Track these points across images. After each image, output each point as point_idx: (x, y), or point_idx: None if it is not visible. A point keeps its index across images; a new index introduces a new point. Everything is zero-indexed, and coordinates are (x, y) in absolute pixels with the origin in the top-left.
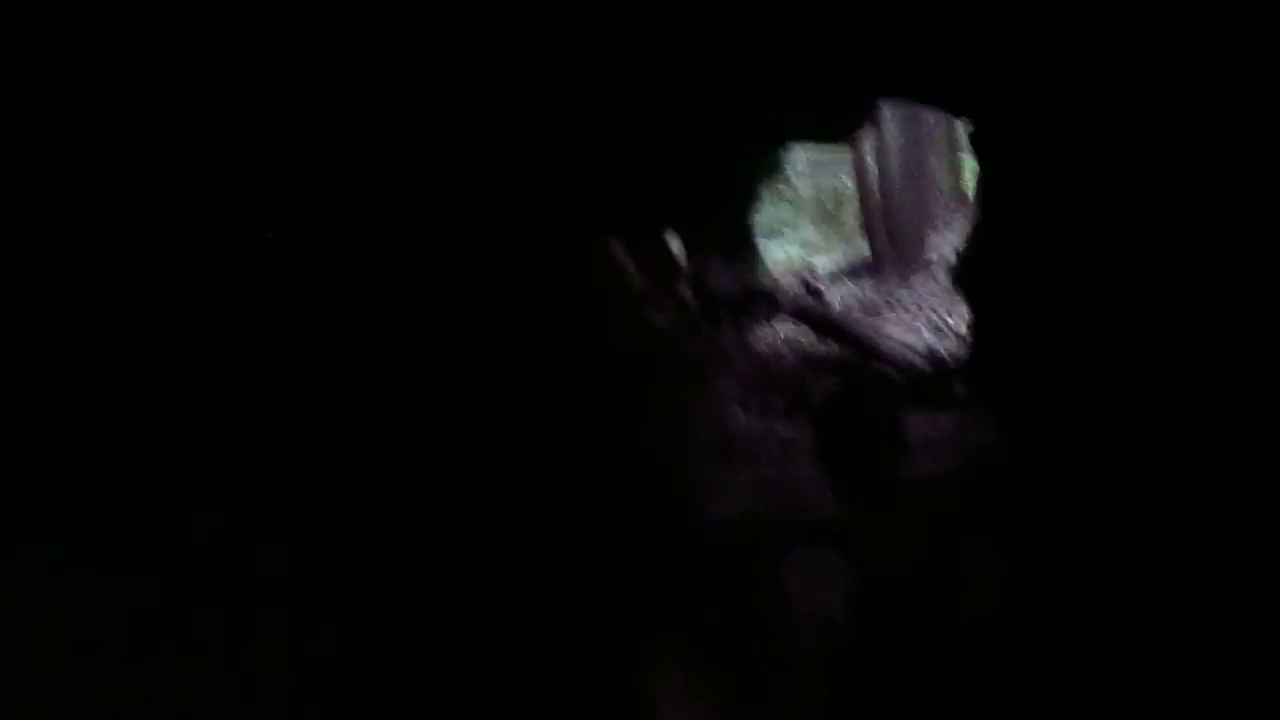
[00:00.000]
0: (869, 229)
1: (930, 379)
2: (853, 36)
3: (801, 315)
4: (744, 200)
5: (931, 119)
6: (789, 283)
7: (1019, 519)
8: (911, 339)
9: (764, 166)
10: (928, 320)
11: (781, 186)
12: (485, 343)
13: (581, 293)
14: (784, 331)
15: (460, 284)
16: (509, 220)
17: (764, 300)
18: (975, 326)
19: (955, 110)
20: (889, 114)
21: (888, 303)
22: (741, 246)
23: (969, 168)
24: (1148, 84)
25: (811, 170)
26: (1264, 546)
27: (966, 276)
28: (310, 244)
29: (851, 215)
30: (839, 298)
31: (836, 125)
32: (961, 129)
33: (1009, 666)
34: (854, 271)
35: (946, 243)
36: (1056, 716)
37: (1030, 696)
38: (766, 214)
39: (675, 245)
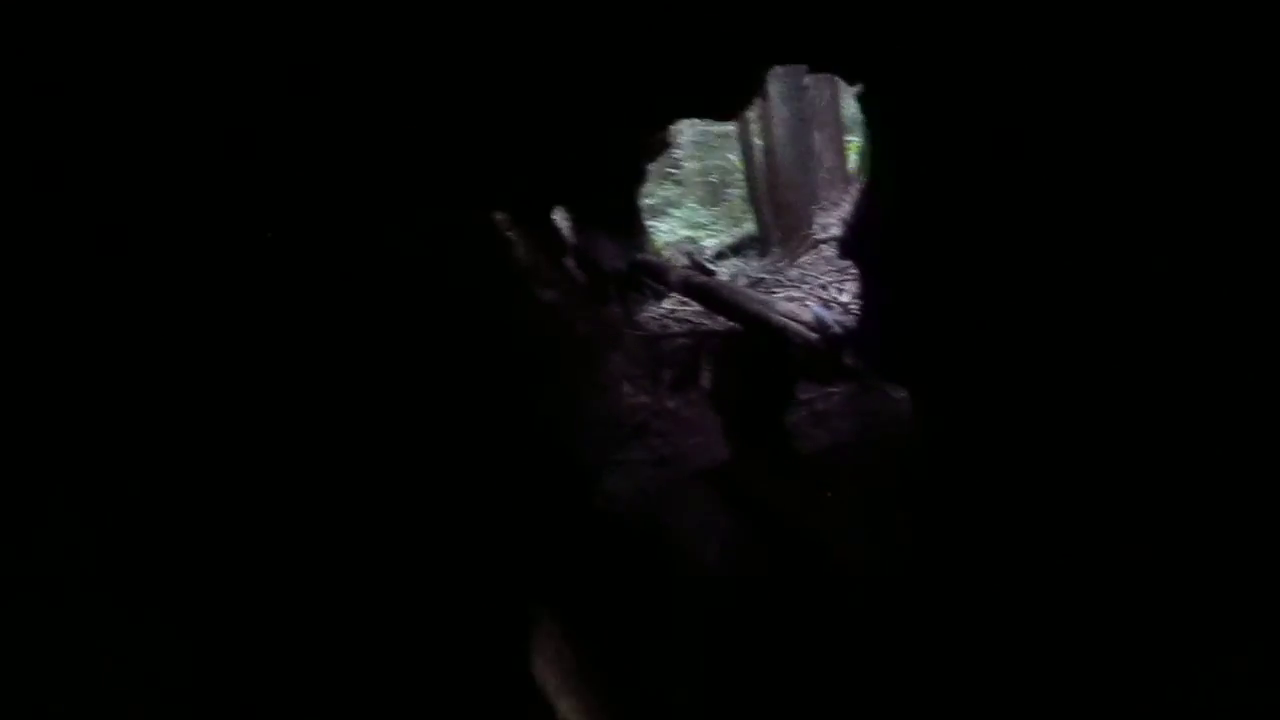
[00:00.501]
0: (756, 208)
1: (820, 352)
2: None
3: (689, 291)
4: (631, 178)
5: (818, 98)
6: (677, 260)
7: (913, 481)
8: (800, 312)
9: (651, 145)
10: (816, 295)
11: (669, 167)
12: (368, 318)
13: (470, 269)
14: (672, 307)
15: (337, 261)
16: (391, 197)
17: (652, 276)
18: (865, 295)
19: (848, 76)
20: (775, 93)
21: (775, 279)
22: (629, 224)
23: (855, 149)
24: (1038, 47)
25: (698, 150)
26: (1146, 498)
27: (855, 245)
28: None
29: (738, 194)
30: (727, 275)
31: (725, 101)
32: (848, 109)
33: (882, 605)
34: (741, 249)
35: (834, 221)
36: (922, 652)
37: (900, 633)
38: (654, 193)
39: (562, 223)
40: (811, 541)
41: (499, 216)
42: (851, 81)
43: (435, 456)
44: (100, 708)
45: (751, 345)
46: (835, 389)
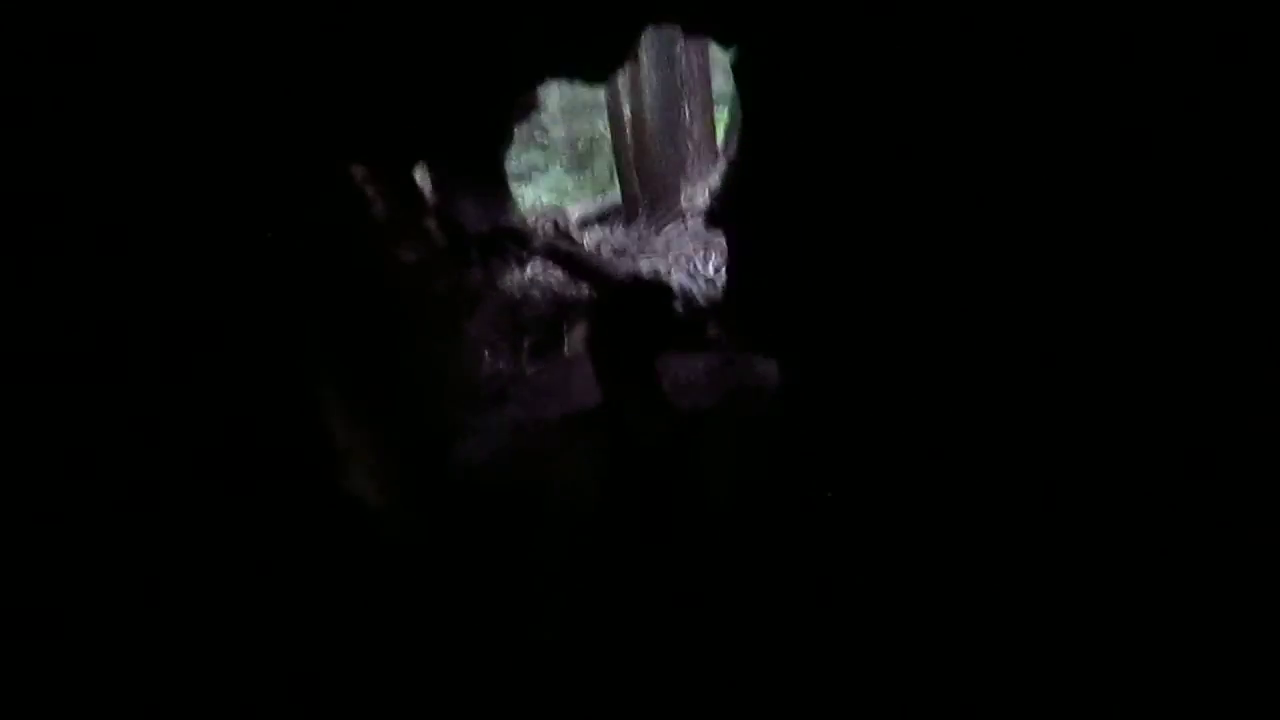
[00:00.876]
0: (622, 176)
1: (684, 321)
2: None
3: (553, 256)
4: (497, 139)
5: (689, 69)
6: (542, 226)
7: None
8: (665, 281)
9: (518, 105)
10: (681, 265)
11: (535, 131)
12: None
13: (324, 221)
14: (535, 273)
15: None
16: (241, 144)
17: (514, 240)
18: (730, 264)
19: (722, 37)
20: (646, 61)
21: (641, 248)
22: (493, 186)
23: (724, 122)
24: (915, 10)
25: (566, 116)
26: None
27: (721, 212)
28: None
29: (605, 162)
30: (591, 242)
31: (595, 62)
32: (718, 84)
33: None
34: (606, 217)
35: (700, 193)
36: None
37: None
38: (519, 158)
39: (423, 180)
40: (683, 478)
41: (357, 169)
42: (725, 43)
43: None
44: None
45: (635, 293)
46: (699, 361)
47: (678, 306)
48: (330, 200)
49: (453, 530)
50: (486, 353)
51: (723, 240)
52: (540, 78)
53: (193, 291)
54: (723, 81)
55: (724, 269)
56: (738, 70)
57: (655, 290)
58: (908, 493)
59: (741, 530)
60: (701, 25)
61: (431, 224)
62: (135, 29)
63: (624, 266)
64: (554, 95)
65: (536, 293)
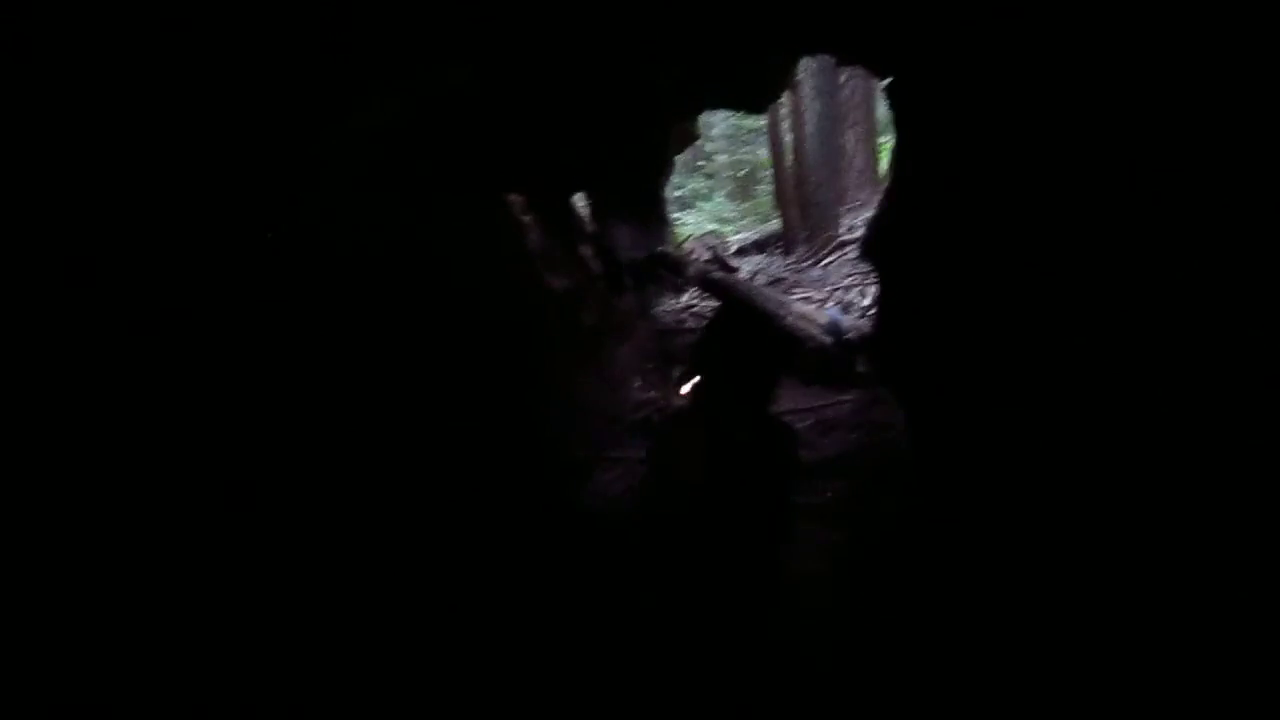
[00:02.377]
0: (782, 204)
1: (833, 355)
2: None
3: (707, 285)
4: (656, 168)
5: (851, 97)
6: (698, 253)
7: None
8: (817, 314)
9: (678, 135)
10: (835, 298)
11: (699, 160)
12: (374, 302)
13: (478, 253)
14: (689, 300)
15: (344, 244)
16: (403, 178)
17: (670, 269)
18: (882, 299)
19: (877, 68)
20: (807, 89)
21: (796, 278)
22: (651, 214)
23: (887, 150)
24: (1075, 54)
25: (729, 144)
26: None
27: (876, 245)
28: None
29: (767, 190)
30: (748, 271)
31: (754, 92)
32: (881, 111)
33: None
34: (766, 246)
35: (860, 223)
36: None
37: None
38: (683, 185)
39: (581, 208)
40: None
41: (514, 199)
42: (881, 74)
43: (426, 442)
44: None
45: (740, 321)
46: (847, 397)
47: (826, 339)
48: (486, 230)
49: (580, 561)
50: (637, 380)
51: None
52: (698, 107)
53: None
54: (887, 109)
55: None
56: (893, 100)
57: (763, 319)
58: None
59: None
60: (855, 56)
61: (587, 252)
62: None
63: (774, 299)
64: (719, 124)
65: (690, 321)
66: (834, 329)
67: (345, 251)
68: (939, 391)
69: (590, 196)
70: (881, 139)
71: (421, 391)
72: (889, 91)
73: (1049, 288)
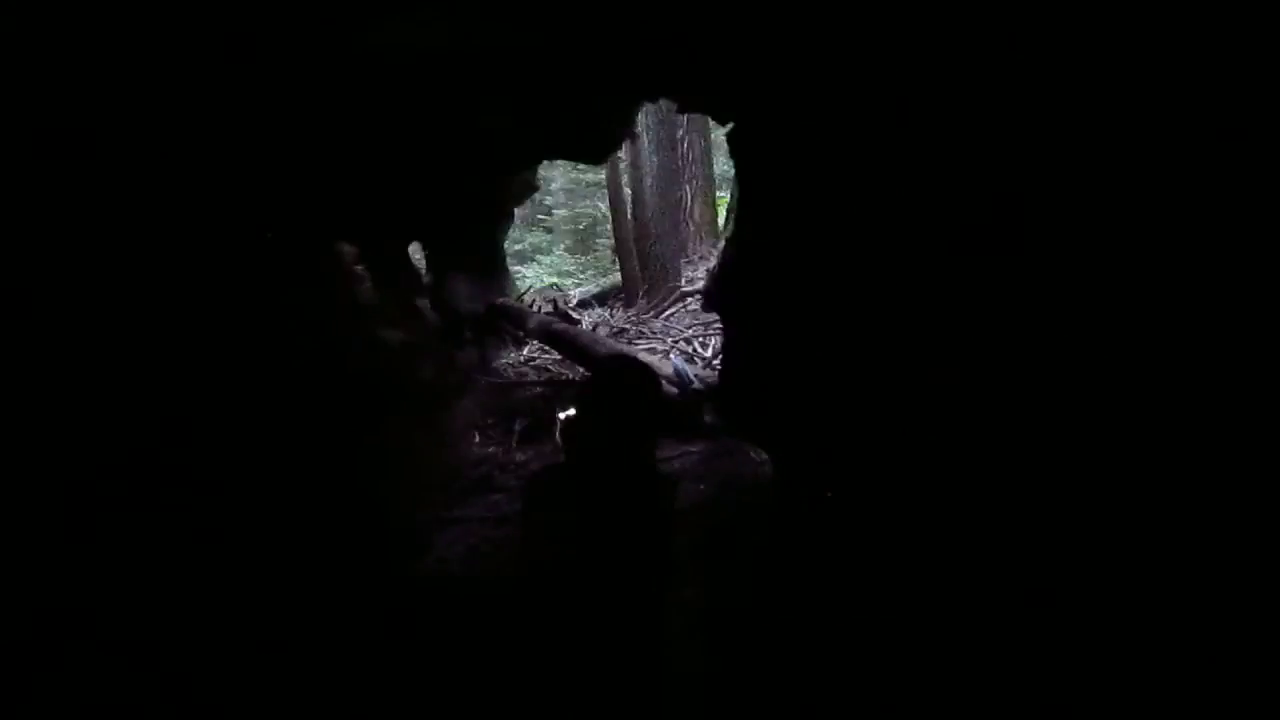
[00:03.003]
0: (623, 257)
1: (678, 407)
2: (619, 37)
3: (549, 338)
4: (494, 218)
5: (690, 151)
6: (539, 306)
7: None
8: (660, 364)
9: (516, 186)
10: (678, 349)
11: (538, 214)
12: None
13: (305, 302)
14: (530, 354)
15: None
16: (225, 218)
17: (511, 321)
18: (726, 349)
19: (718, 112)
20: (646, 143)
21: (639, 330)
22: (490, 266)
23: (724, 204)
24: (906, 90)
25: (568, 198)
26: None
27: (718, 295)
28: None
29: (607, 243)
30: (590, 323)
31: (594, 141)
32: (719, 166)
33: None
34: (607, 299)
35: (700, 275)
36: None
37: None
38: (523, 239)
39: (417, 259)
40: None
41: (345, 248)
42: (722, 119)
43: (239, 510)
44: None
45: (614, 372)
46: (694, 448)
47: (672, 390)
48: (313, 279)
49: (419, 627)
50: (476, 436)
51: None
52: (537, 157)
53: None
54: (725, 164)
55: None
56: (733, 146)
57: (635, 369)
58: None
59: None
60: (697, 100)
61: (424, 304)
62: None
63: (618, 348)
64: (558, 177)
65: (531, 375)
66: (680, 379)
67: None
68: (792, 440)
69: (426, 247)
70: (719, 193)
71: (232, 451)
72: (731, 137)
73: (892, 328)
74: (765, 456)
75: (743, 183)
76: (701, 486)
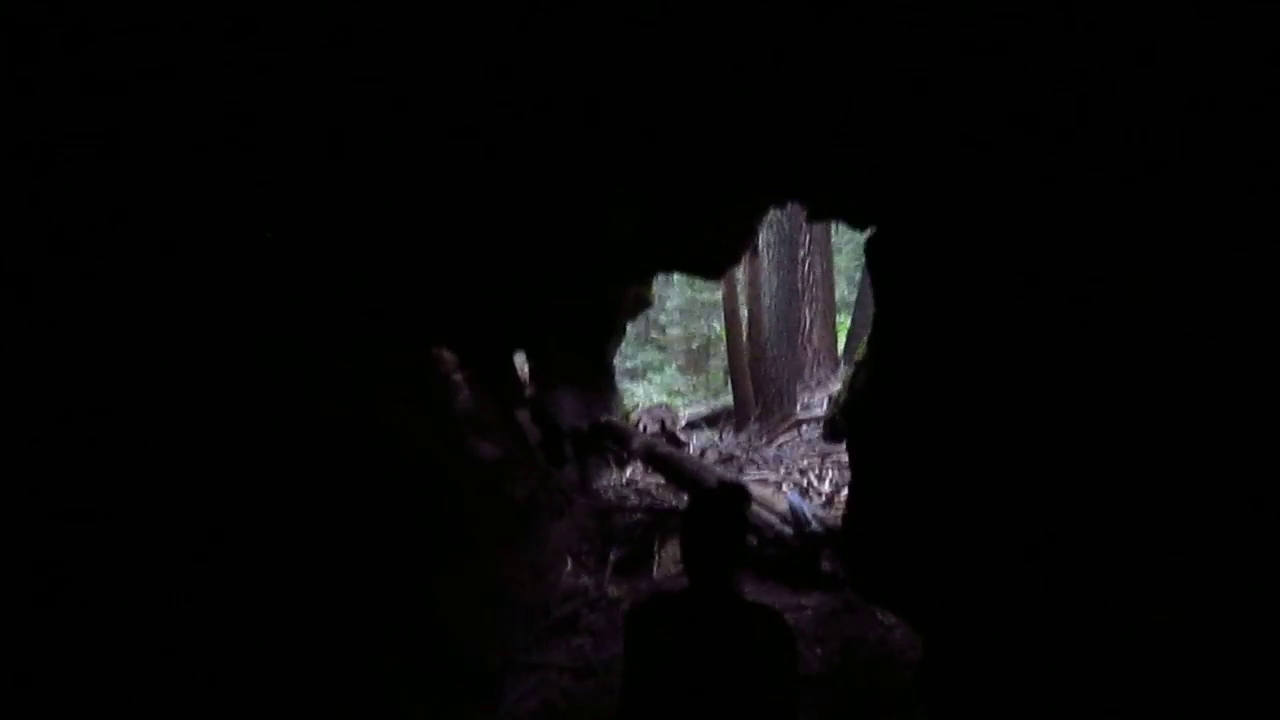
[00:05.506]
0: (736, 378)
1: (793, 550)
2: (750, 132)
3: (652, 460)
4: (605, 331)
5: (812, 271)
6: (646, 425)
7: None
8: (773, 499)
9: (628, 299)
10: (793, 480)
11: (653, 331)
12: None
13: (396, 407)
14: (633, 476)
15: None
16: (319, 318)
17: (615, 440)
18: (854, 488)
19: (857, 218)
20: (767, 262)
21: (750, 457)
22: (598, 381)
23: (845, 329)
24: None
25: (683, 316)
26: None
27: (845, 424)
28: None
29: (720, 364)
30: (698, 446)
31: (713, 251)
32: (841, 290)
33: None
34: (717, 421)
35: (818, 401)
36: None
37: None
38: (635, 356)
39: (521, 368)
40: None
41: (444, 354)
42: (860, 224)
43: (306, 629)
44: None
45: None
46: (808, 601)
47: (785, 529)
48: (407, 383)
49: None
50: (569, 564)
51: (843, 456)
52: (653, 268)
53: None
54: (845, 289)
55: (844, 489)
56: (871, 257)
57: (732, 496)
58: None
59: None
60: (829, 203)
61: (524, 417)
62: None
63: (725, 476)
64: (674, 296)
65: (633, 499)
66: (796, 517)
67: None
68: (940, 606)
69: (532, 358)
70: (840, 318)
71: (297, 567)
72: (869, 247)
73: (1062, 475)
74: (894, 620)
75: (882, 298)
76: (819, 650)
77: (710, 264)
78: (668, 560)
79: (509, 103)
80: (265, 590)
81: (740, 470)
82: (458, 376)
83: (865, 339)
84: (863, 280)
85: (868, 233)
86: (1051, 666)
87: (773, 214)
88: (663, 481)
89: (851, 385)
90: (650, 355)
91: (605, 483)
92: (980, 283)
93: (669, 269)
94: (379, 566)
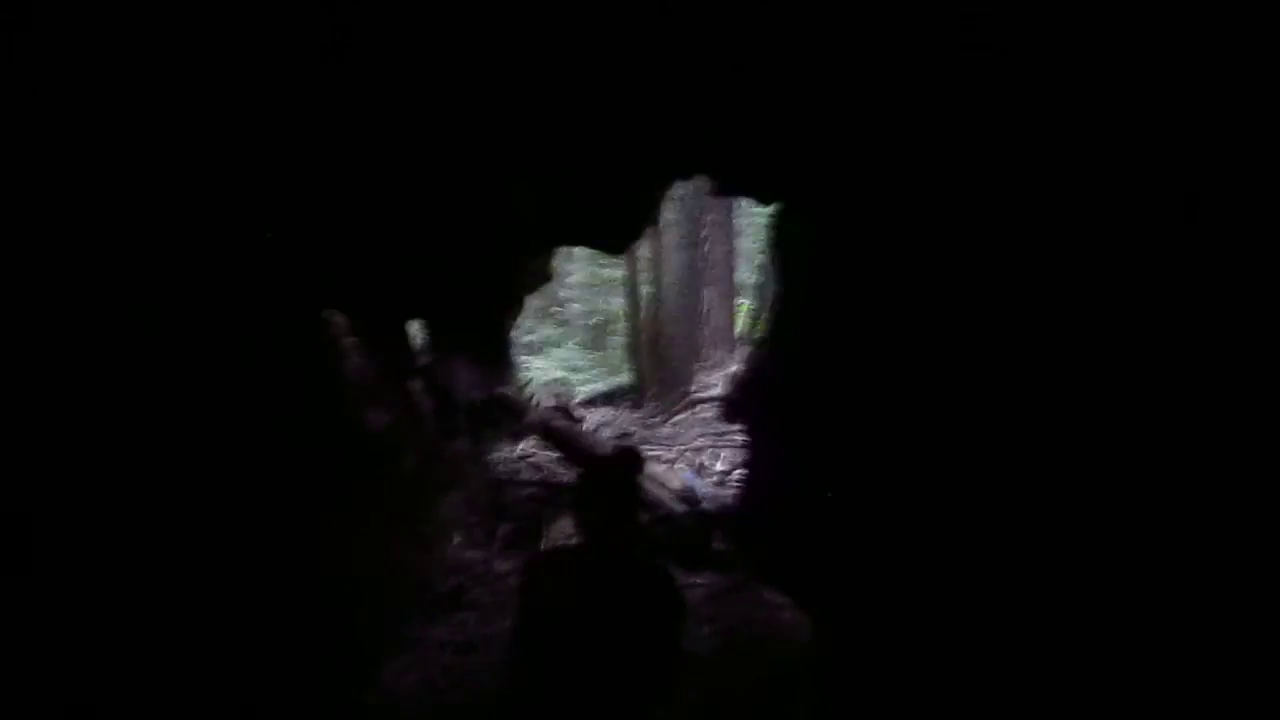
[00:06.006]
0: (635, 356)
1: (686, 527)
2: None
3: (548, 435)
4: (503, 303)
5: (714, 252)
6: (543, 400)
7: None
8: (667, 476)
9: (532, 271)
10: (688, 459)
11: (554, 306)
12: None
13: (279, 372)
14: (527, 450)
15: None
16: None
17: (511, 413)
18: (749, 466)
19: (762, 193)
20: (670, 240)
21: (646, 435)
22: (495, 354)
23: (745, 310)
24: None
25: (585, 292)
26: None
27: (744, 402)
28: None
29: (620, 343)
30: (594, 422)
31: (619, 225)
32: (741, 271)
33: None
34: (615, 399)
35: (716, 382)
36: None
37: None
38: (534, 330)
39: (416, 337)
40: None
41: (335, 318)
42: (765, 199)
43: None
44: None
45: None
46: (700, 580)
47: (677, 507)
48: (291, 348)
49: None
50: (457, 538)
51: (738, 437)
52: (557, 241)
53: None
54: (746, 272)
55: (738, 469)
56: (776, 234)
57: (626, 458)
58: None
59: None
60: (734, 178)
61: (417, 386)
62: None
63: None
64: (575, 270)
65: (526, 473)
66: (689, 496)
67: None
68: (829, 587)
69: (427, 326)
70: (740, 300)
71: (162, 531)
72: (774, 224)
73: (971, 454)
74: (783, 600)
75: (785, 276)
76: (706, 630)
77: (614, 239)
78: (558, 535)
79: (411, 67)
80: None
81: (636, 445)
82: (347, 341)
83: (766, 317)
84: (764, 264)
85: (771, 210)
86: (941, 648)
87: (676, 192)
88: (557, 456)
89: (752, 362)
90: (550, 330)
91: (498, 456)
92: (882, 260)
93: (573, 243)
94: (250, 540)
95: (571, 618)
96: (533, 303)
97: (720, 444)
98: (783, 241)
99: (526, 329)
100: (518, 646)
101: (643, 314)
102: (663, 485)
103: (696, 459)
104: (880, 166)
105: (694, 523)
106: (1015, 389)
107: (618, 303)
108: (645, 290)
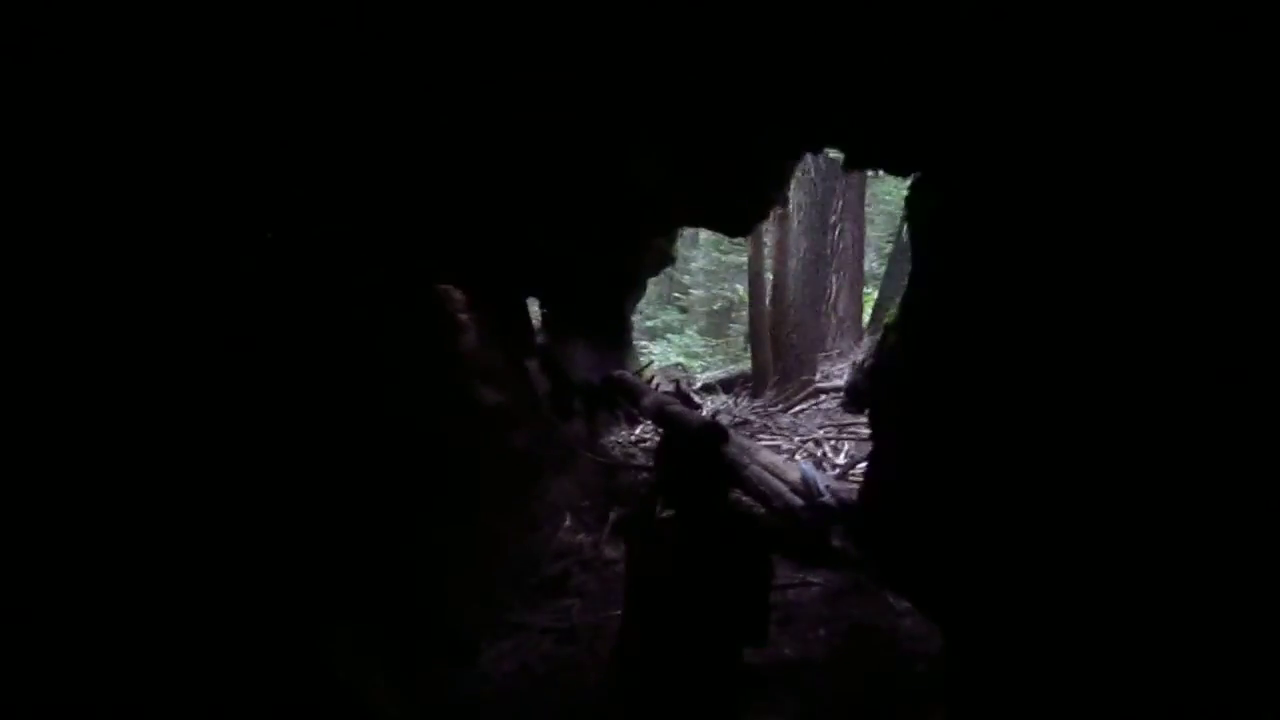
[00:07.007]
0: (756, 344)
1: (803, 521)
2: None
3: (662, 419)
4: (626, 284)
5: (842, 238)
6: (660, 385)
7: None
8: (785, 467)
9: (654, 254)
10: (808, 450)
11: (675, 292)
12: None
13: (395, 344)
14: (644, 434)
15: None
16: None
17: (627, 397)
18: (873, 461)
19: (899, 164)
20: (796, 225)
21: (764, 424)
22: (614, 336)
23: (873, 301)
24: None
25: (707, 279)
26: None
27: (868, 392)
28: None
29: (741, 330)
30: (711, 409)
31: (742, 206)
32: (870, 260)
33: None
34: (733, 386)
35: (839, 371)
36: None
37: None
38: (654, 316)
39: (535, 316)
40: None
41: (453, 292)
42: (903, 171)
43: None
44: None
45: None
46: (815, 578)
47: (795, 500)
48: (409, 320)
49: None
50: (568, 520)
51: (861, 429)
52: (680, 220)
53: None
54: (874, 261)
55: (861, 463)
56: (912, 210)
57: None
58: None
59: None
60: (870, 148)
61: (533, 366)
62: None
63: (736, 443)
64: (698, 257)
65: (640, 458)
66: (808, 488)
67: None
68: (963, 596)
69: (546, 305)
70: (867, 290)
71: (285, 510)
72: (910, 199)
73: (1093, 470)
74: (906, 605)
75: (921, 258)
76: (822, 631)
77: (737, 218)
78: None
79: (540, 42)
80: (211, 546)
81: (753, 435)
82: (464, 316)
83: (898, 301)
84: (894, 252)
85: (903, 197)
86: (1080, 669)
87: (804, 173)
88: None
89: (880, 348)
90: (671, 316)
91: (613, 439)
92: (1032, 239)
93: (694, 223)
94: (354, 517)
95: (669, 584)
96: (654, 288)
97: (843, 436)
98: (918, 218)
99: (648, 315)
100: (626, 612)
101: (766, 300)
102: (780, 477)
103: (817, 450)
104: (1036, 131)
105: (812, 517)
106: (1183, 382)
107: (740, 289)
108: (769, 276)
